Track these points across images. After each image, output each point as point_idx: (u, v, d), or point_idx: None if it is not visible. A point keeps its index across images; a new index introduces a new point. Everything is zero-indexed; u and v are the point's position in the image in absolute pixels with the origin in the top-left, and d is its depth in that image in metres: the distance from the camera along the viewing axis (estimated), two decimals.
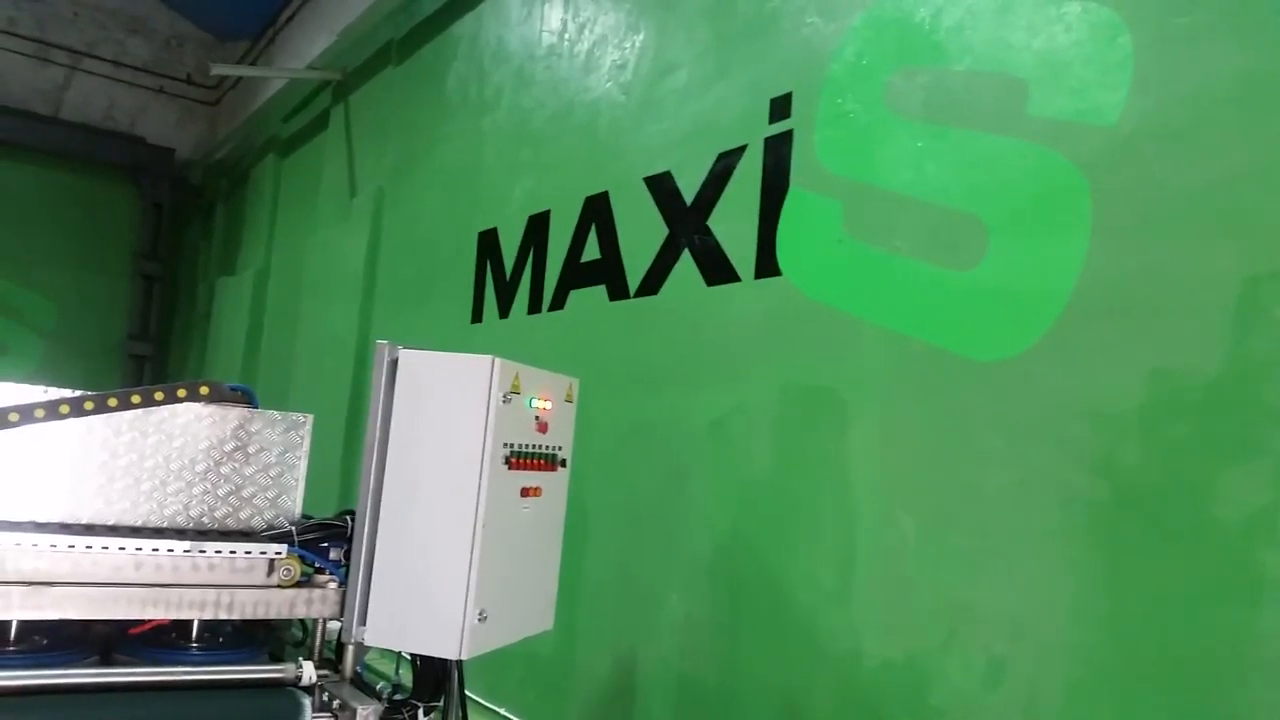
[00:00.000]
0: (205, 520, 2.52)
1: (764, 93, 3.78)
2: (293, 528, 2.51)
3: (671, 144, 4.24)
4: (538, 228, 5.13)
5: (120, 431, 2.43)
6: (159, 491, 2.47)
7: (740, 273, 3.77)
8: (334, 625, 2.47)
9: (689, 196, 4.08)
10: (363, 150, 7.64)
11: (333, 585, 2.43)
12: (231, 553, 2.31)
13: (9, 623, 2.19)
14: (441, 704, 2.59)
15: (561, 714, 4.40)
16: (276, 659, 2.48)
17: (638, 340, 4.29)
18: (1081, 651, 2.54)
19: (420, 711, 2.54)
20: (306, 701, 2.33)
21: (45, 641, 2.24)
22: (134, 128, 12.27)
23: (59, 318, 11.80)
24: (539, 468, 2.56)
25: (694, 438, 3.90)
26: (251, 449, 2.59)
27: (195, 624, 2.40)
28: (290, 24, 9.56)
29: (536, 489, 2.57)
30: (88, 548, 2.16)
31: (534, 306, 5.07)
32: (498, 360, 2.37)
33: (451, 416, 2.37)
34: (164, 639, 2.38)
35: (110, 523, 2.41)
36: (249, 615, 2.34)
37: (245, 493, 2.58)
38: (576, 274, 4.77)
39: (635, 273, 4.34)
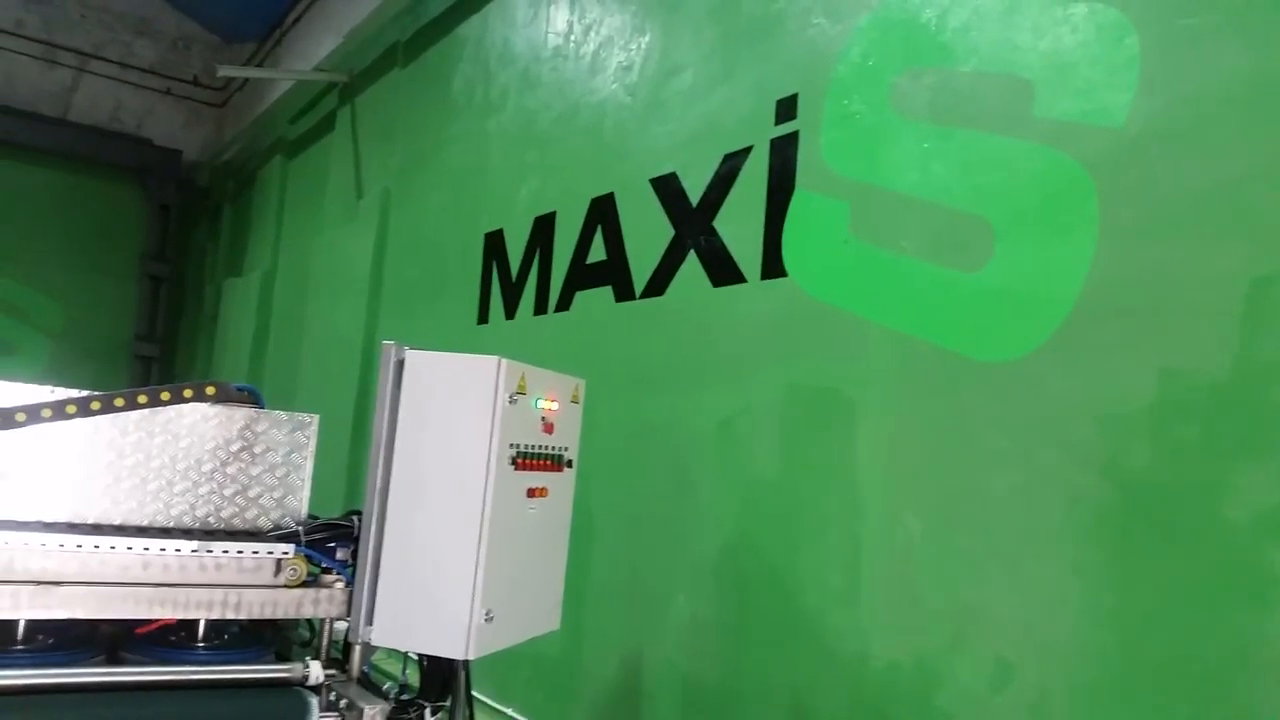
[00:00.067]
0: (211, 520, 2.53)
1: (770, 94, 3.77)
2: (299, 528, 2.52)
3: (677, 145, 4.24)
4: (543, 229, 5.13)
5: (127, 432, 2.44)
6: (165, 491, 2.48)
7: (746, 274, 3.77)
8: (341, 625, 2.48)
9: (695, 198, 4.08)
10: (369, 152, 7.65)
11: (339, 585, 2.44)
12: (239, 553, 2.32)
13: (16, 622, 2.20)
14: (448, 704, 2.59)
15: (568, 714, 4.40)
16: (283, 659, 2.48)
17: (644, 341, 4.29)
18: (1089, 653, 2.53)
19: (427, 711, 2.55)
20: (313, 701, 2.34)
21: (52, 641, 2.25)
22: (141, 129, 12.31)
23: (66, 319, 11.84)
24: (545, 468, 2.57)
25: (700, 438, 3.90)
26: (258, 449, 2.60)
27: (202, 624, 2.41)
28: (297, 26, 9.58)
29: (543, 489, 2.57)
30: (95, 547, 2.17)
31: (540, 307, 5.08)
32: (504, 361, 2.37)
33: (458, 417, 2.37)
34: (171, 639, 2.39)
35: (117, 522, 2.41)
36: (256, 615, 2.35)
37: (251, 493, 2.59)
38: (582, 275, 4.77)
39: (641, 274, 4.34)
